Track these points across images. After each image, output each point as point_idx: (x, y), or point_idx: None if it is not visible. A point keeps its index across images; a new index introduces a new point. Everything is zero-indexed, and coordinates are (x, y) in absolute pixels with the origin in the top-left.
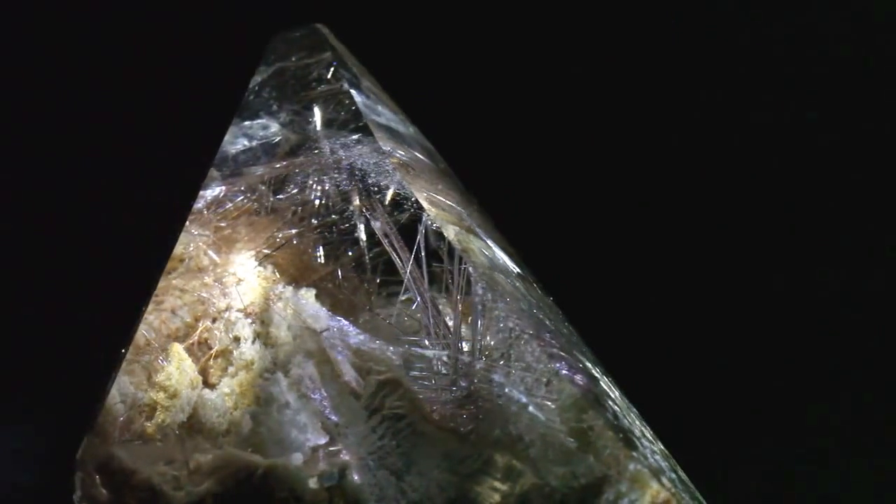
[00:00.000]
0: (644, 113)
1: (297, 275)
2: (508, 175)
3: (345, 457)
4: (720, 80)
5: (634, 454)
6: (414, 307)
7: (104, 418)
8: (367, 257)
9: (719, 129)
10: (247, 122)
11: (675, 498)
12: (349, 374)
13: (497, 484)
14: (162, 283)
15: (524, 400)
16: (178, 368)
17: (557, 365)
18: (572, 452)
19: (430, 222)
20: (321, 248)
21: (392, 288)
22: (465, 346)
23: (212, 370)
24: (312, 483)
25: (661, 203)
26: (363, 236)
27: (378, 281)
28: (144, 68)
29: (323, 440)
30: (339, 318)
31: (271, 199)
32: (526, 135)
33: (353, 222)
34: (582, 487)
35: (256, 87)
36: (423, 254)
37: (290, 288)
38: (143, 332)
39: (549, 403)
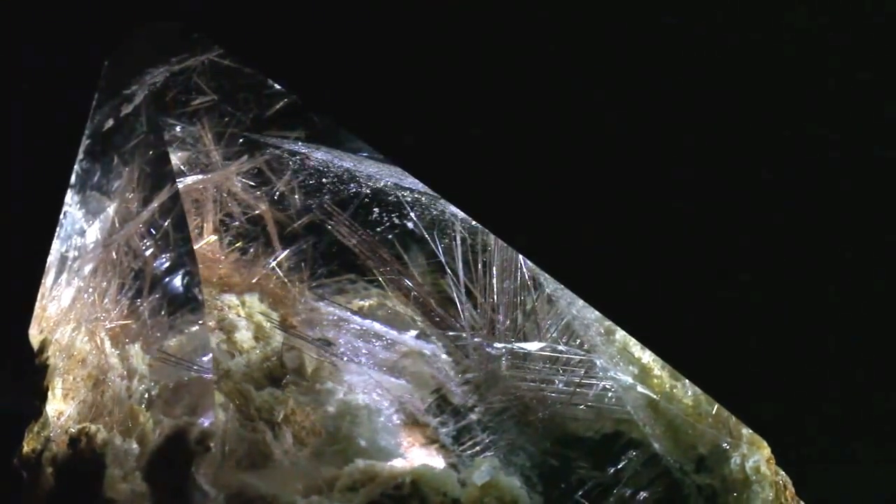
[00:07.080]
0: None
1: (234, 283)
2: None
3: (443, 455)
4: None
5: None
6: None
7: (220, 446)
8: (283, 256)
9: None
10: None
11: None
12: (432, 371)
13: (608, 464)
14: None
15: (629, 381)
16: None
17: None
18: (685, 423)
19: (458, 213)
20: (241, 254)
21: (329, 286)
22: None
23: None
24: (465, 483)
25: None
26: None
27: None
28: None
29: (420, 441)
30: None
31: (167, 222)
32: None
33: (263, 225)
34: (701, 457)
35: (136, 104)
36: (457, 242)
37: (233, 296)
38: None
39: (640, 378)
